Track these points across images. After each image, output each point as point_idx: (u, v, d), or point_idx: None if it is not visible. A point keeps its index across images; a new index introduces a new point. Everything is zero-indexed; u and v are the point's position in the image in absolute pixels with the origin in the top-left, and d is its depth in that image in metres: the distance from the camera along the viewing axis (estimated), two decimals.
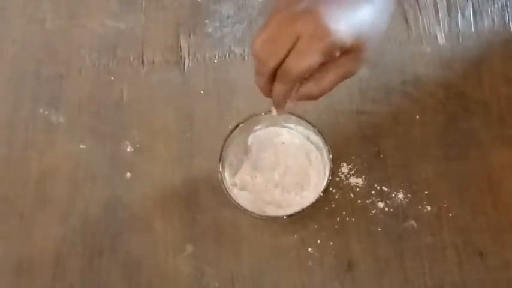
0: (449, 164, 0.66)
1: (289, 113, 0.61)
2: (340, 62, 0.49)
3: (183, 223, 0.65)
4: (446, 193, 0.65)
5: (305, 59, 0.47)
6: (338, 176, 0.66)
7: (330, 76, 0.50)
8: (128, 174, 0.68)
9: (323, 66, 0.49)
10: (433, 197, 0.65)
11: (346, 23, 0.47)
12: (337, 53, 0.47)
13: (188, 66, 0.73)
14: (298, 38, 0.47)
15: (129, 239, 0.65)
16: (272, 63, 0.48)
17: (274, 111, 0.55)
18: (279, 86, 0.50)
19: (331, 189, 0.65)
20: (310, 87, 0.51)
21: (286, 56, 0.47)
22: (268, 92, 0.52)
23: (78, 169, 0.68)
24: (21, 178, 0.68)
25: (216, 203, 0.66)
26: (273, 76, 0.50)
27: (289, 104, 0.53)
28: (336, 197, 0.65)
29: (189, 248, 0.64)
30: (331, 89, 0.51)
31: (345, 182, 0.66)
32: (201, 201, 0.66)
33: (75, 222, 0.66)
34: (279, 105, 0.53)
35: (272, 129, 0.66)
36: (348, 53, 0.48)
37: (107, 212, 0.66)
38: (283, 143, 0.66)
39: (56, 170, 0.69)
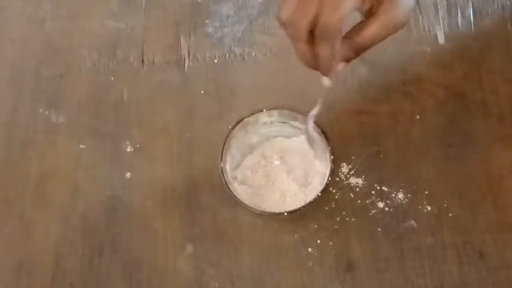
0: (449, 164, 0.66)
1: (294, 111, 0.61)
2: (380, 11, 0.46)
3: (183, 223, 0.65)
4: (446, 193, 0.65)
5: (339, 6, 0.44)
6: (338, 176, 0.66)
7: (372, 26, 0.47)
8: (128, 174, 0.68)
9: (364, 21, 0.47)
10: (433, 197, 0.65)
11: None
12: None
13: (188, 66, 0.73)
14: None
15: (129, 239, 0.65)
16: (304, 23, 0.46)
17: (325, 81, 0.50)
18: (323, 46, 0.47)
19: (331, 189, 0.65)
20: (353, 40, 0.48)
21: (317, 12, 0.45)
22: (311, 60, 0.48)
23: (78, 169, 0.69)
24: (21, 178, 0.68)
25: (216, 202, 0.66)
26: (310, 40, 0.47)
27: (336, 68, 0.49)
28: (336, 197, 0.65)
29: (189, 248, 0.64)
30: (374, 41, 0.48)
31: (345, 182, 0.66)
32: (201, 201, 0.66)
33: (75, 222, 0.66)
34: (328, 69, 0.49)
35: (278, 126, 0.66)
36: (383, 1, 0.46)
37: (107, 212, 0.66)
38: (287, 140, 0.66)
39: (56, 170, 0.69)
